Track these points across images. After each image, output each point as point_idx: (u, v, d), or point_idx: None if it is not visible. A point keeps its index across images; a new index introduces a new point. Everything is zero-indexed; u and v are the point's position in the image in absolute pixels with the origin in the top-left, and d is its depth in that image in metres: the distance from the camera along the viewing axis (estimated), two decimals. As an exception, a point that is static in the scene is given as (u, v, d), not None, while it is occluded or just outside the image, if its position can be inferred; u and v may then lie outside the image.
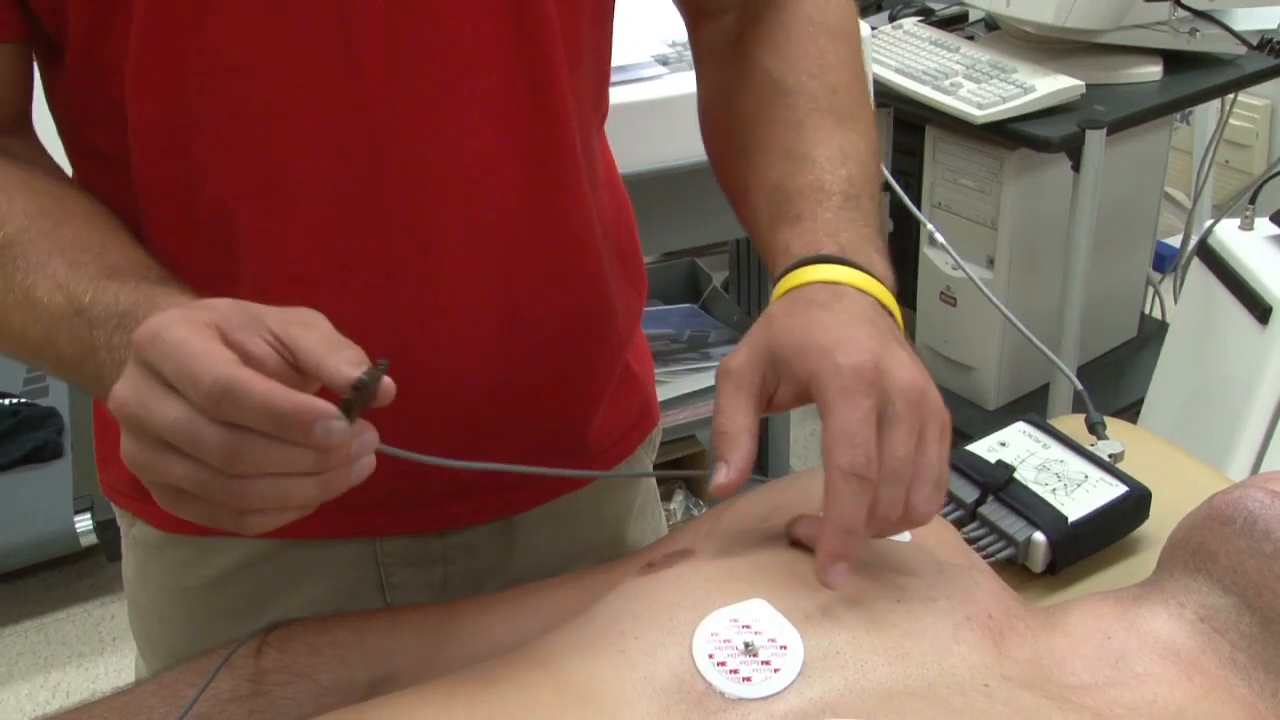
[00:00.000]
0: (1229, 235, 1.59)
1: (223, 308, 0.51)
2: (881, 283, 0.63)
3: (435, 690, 0.55)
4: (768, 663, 0.52)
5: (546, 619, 0.63)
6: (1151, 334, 2.24)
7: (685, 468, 1.91)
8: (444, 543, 0.83)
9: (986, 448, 0.82)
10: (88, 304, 0.58)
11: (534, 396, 0.79)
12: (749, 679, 0.51)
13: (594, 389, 0.83)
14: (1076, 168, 1.74)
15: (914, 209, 1.49)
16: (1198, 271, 1.65)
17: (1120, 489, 0.77)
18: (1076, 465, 0.80)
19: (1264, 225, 1.58)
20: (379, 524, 0.81)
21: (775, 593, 0.55)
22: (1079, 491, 0.77)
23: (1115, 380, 2.12)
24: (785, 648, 0.52)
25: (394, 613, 0.73)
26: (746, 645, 0.52)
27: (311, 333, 0.51)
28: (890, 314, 0.63)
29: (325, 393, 0.50)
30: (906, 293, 2.23)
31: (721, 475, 0.57)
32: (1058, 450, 0.81)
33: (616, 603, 0.58)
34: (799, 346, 0.57)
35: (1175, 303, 2.03)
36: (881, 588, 0.57)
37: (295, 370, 0.50)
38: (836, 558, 0.54)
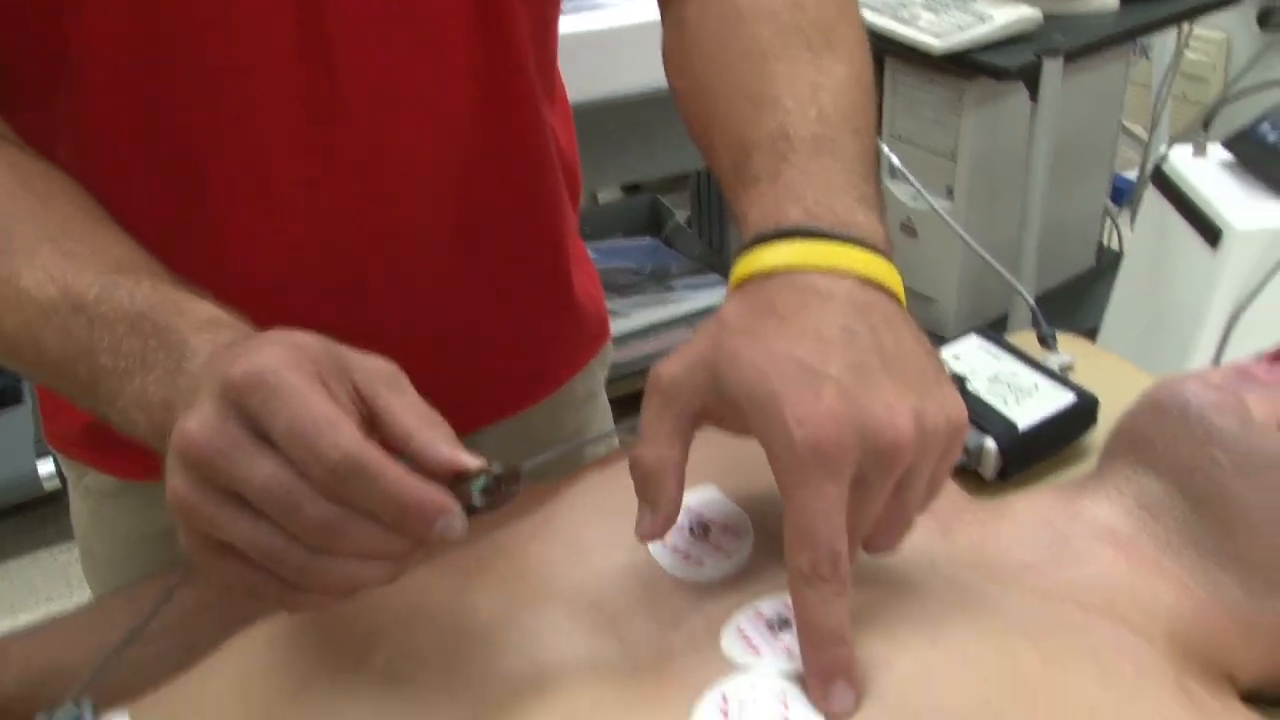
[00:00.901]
0: (1182, 161, 1.60)
1: (314, 350, 0.45)
2: (866, 242, 0.51)
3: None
4: (719, 547, 0.53)
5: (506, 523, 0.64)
6: (1109, 265, 2.26)
7: None
8: None
9: None
10: (91, 300, 0.52)
11: (492, 307, 0.80)
12: (700, 562, 0.53)
13: (547, 298, 0.85)
14: (1034, 97, 1.75)
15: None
16: (1152, 198, 1.67)
17: (1069, 397, 0.79)
18: (1027, 376, 0.81)
19: (1216, 151, 1.59)
20: None
21: (726, 479, 0.56)
22: (1029, 401, 0.79)
23: (1073, 309, 2.15)
24: (736, 532, 0.54)
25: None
26: (698, 530, 0.54)
27: (402, 398, 0.46)
28: (881, 288, 0.50)
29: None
30: (867, 226, 2.23)
31: (645, 523, 0.49)
32: (1009, 362, 0.83)
33: (573, 495, 0.59)
34: (749, 392, 0.46)
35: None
36: None
37: (368, 427, 0.45)
38: (830, 677, 0.45)
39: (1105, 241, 2.36)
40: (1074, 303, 2.18)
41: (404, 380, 0.47)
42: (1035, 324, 0.91)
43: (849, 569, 0.45)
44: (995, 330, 0.89)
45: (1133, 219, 2.25)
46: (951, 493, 0.63)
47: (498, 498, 0.46)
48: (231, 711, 0.51)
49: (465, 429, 0.84)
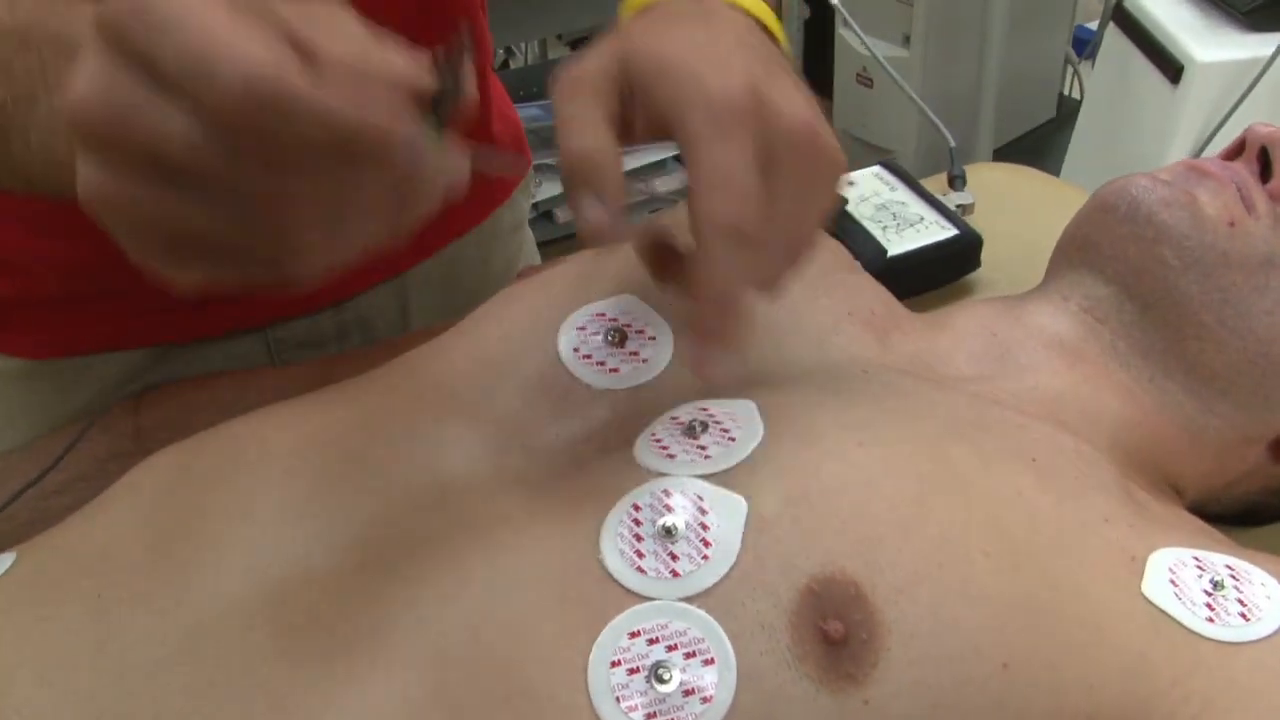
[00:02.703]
0: (1145, -3, 1.56)
1: None
2: None
3: (297, 401, 0.53)
4: (635, 354, 0.50)
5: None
6: (1070, 114, 2.22)
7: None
8: (337, 319, 0.80)
9: None
10: None
11: None
12: (616, 370, 0.49)
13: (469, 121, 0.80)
14: (992, -64, 1.69)
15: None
16: (1113, 37, 1.63)
17: (950, 232, 0.77)
18: (916, 208, 0.79)
19: (1180, -16, 1.54)
20: (270, 310, 0.77)
21: (645, 287, 0.53)
22: (910, 231, 0.77)
23: (1034, 159, 2.09)
24: (654, 339, 0.50)
25: (279, 369, 0.70)
26: (613, 337, 0.50)
27: (346, 45, 0.36)
28: (768, 33, 0.50)
29: None
30: (823, 79, 2.18)
31: (590, 213, 0.41)
32: (903, 194, 0.81)
33: (486, 309, 0.55)
34: (660, 65, 0.43)
35: (1093, 79, 2.01)
36: None
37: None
38: (713, 340, 0.42)
39: (1067, 92, 2.32)
40: (1035, 153, 2.14)
41: (347, 17, 0.37)
42: (950, 162, 0.88)
43: (759, 230, 0.41)
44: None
45: (1094, 68, 2.21)
46: (887, 302, 0.60)
47: (453, 89, 0.37)
48: (125, 545, 0.48)
49: (400, 267, 0.82)
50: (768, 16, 0.50)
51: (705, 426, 0.45)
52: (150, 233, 0.36)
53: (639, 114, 0.44)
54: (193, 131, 0.34)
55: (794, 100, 0.43)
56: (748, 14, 0.49)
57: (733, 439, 0.44)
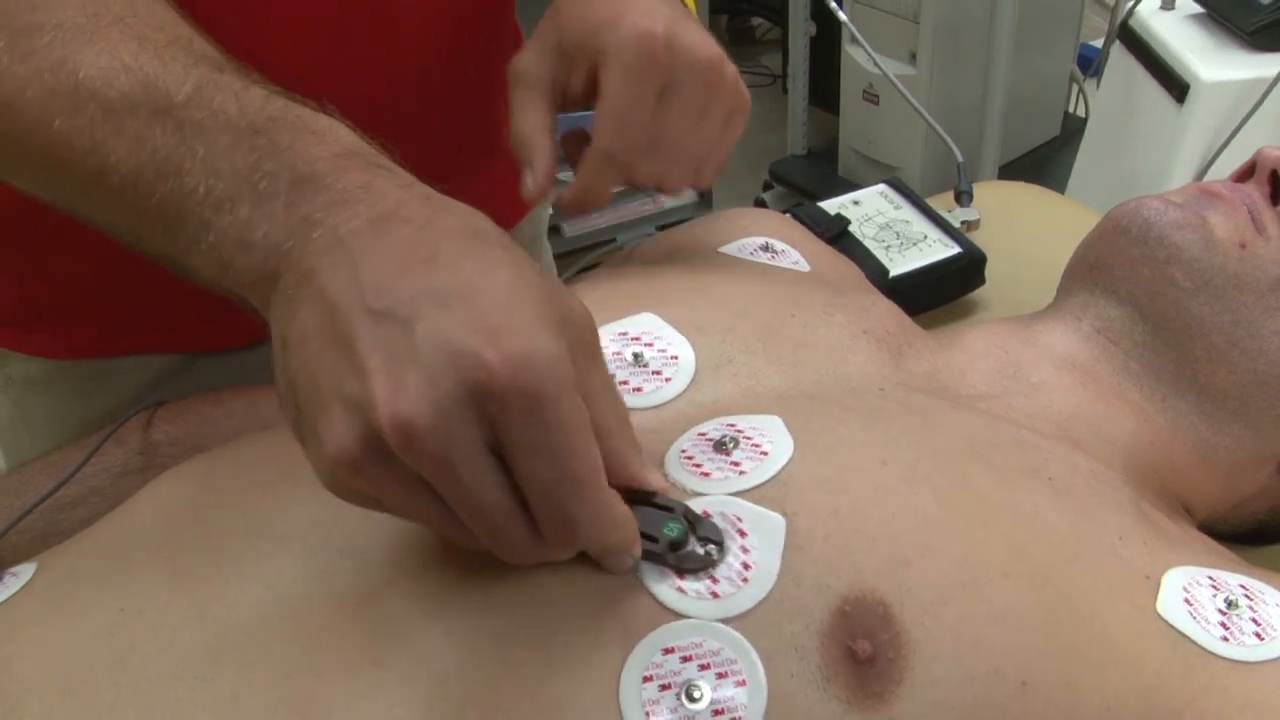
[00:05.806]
0: (1150, 15, 1.56)
1: (580, 326, 0.38)
2: None
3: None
4: (658, 373, 0.50)
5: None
6: (1075, 132, 2.23)
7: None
8: None
9: (838, 204, 0.81)
10: (182, 101, 0.41)
11: (468, 96, 0.75)
12: (639, 389, 0.49)
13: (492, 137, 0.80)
14: (998, -46, 1.70)
15: (832, 3, 1.45)
16: (1119, 56, 1.63)
17: (953, 250, 0.77)
18: (920, 227, 0.79)
19: (1185, 4, 1.55)
20: None
21: (665, 306, 0.53)
22: (913, 250, 0.77)
23: (1039, 176, 2.09)
24: (676, 358, 0.51)
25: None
26: (636, 356, 0.50)
27: (626, 433, 0.41)
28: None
29: None
30: (830, 96, 2.19)
31: (528, 182, 0.56)
32: (907, 212, 0.81)
33: None
34: (585, 28, 0.54)
35: (1098, 97, 2.01)
36: (777, 302, 0.56)
37: None
38: (575, 207, 0.57)
39: (1072, 109, 2.32)
40: (1039, 171, 2.15)
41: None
42: (958, 178, 0.88)
43: (634, 161, 0.54)
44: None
45: (1099, 86, 2.22)
46: (900, 320, 0.60)
47: (676, 561, 0.42)
48: (146, 558, 0.48)
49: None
50: None
51: (736, 442, 0.45)
52: (370, 505, 0.38)
53: (574, 76, 0.55)
54: (496, 511, 0.36)
55: (701, 40, 0.54)
56: None
57: (765, 453, 0.45)
